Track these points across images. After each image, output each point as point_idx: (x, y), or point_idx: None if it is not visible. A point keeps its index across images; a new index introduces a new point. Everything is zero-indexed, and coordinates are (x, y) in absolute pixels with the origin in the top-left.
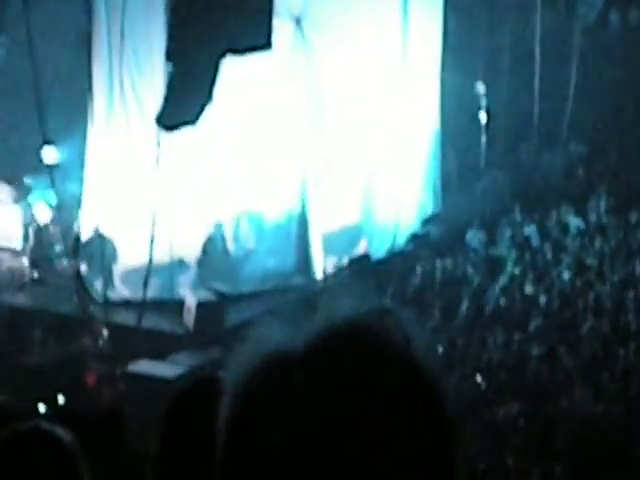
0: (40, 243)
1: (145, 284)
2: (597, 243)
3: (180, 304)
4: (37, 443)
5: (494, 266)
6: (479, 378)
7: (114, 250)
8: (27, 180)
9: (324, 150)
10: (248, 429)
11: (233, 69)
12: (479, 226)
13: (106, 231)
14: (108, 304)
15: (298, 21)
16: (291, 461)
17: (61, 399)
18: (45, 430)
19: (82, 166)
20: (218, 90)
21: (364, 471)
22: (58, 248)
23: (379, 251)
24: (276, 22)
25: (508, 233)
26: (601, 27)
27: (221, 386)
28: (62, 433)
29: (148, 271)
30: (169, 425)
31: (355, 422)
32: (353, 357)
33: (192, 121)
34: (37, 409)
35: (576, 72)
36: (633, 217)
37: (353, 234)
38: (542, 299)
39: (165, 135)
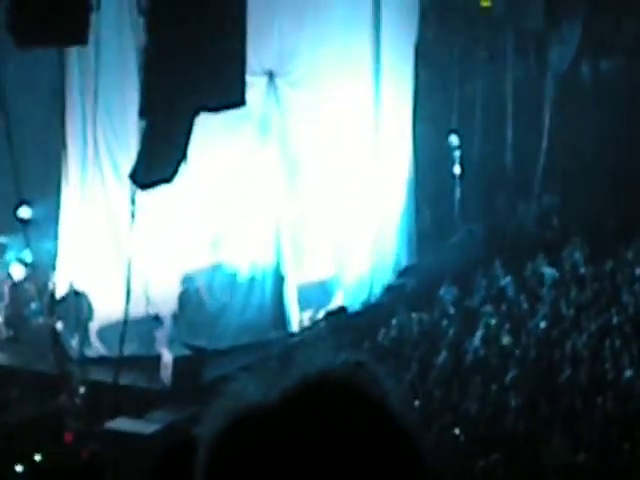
0: (15, 301)
1: (121, 340)
2: (573, 292)
3: (157, 360)
4: None
5: (470, 317)
6: (457, 430)
7: (90, 307)
8: (2, 239)
9: (298, 204)
10: None
11: (207, 125)
12: (454, 278)
13: (81, 288)
14: (85, 361)
15: (271, 76)
16: None
17: (38, 457)
18: None
19: (57, 224)
20: (192, 146)
21: None
22: (34, 306)
23: (355, 304)
24: (249, 78)
25: (484, 284)
26: (572, 78)
27: (197, 443)
28: None
29: (124, 327)
30: None
31: (331, 476)
32: (327, 411)
33: (166, 178)
34: (14, 468)
35: (548, 123)
36: (608, 266)
37: (329, 287)
38: (519, 350)
39: (139, 192)
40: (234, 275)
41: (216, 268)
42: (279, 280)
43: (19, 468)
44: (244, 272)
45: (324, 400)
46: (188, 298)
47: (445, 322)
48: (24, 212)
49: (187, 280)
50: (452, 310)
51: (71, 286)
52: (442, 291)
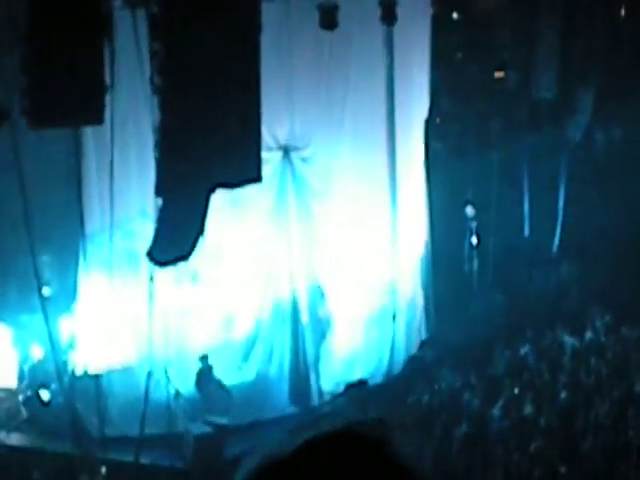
0: (35, 382)
1: (142, 419)
2: (594, 361)
3: (178, 438)
4: None
5: (492, 387)
6: None
7: (109, 386)
8: (22, 318)
9: (316, 277)
10: None
11: (224, 202)
12: (474, 347)
13: (101, 368)
14: (105, 441)
15: (286, 151)
16: None
17: None
18: None
19: (76, 303)
20: (209, 223)
21: None
22: (53, 386)
23: (376, 376)
24: (264, 154)
25: (505, 353)
26: (587, 146)
27: None
28: None
29: (145, 406)
30: None
31: None
32: (337, 461)
33: (184, 255)
34: None
35: (565, 191)
36: (629, 333)
37: (349, 360)
38: (541, 419)
39: (157, 270)
40: (251, 351)
41: (232, 344)
42: (298, 353)
43: None
44: (262, 347)
45: (335, 450)
46: (206, 375)
47: (467, 392)
48: (43, 291)
49: (204, 357)
50: (473, 379)
51: (90, 366)
52: (465, 357)
